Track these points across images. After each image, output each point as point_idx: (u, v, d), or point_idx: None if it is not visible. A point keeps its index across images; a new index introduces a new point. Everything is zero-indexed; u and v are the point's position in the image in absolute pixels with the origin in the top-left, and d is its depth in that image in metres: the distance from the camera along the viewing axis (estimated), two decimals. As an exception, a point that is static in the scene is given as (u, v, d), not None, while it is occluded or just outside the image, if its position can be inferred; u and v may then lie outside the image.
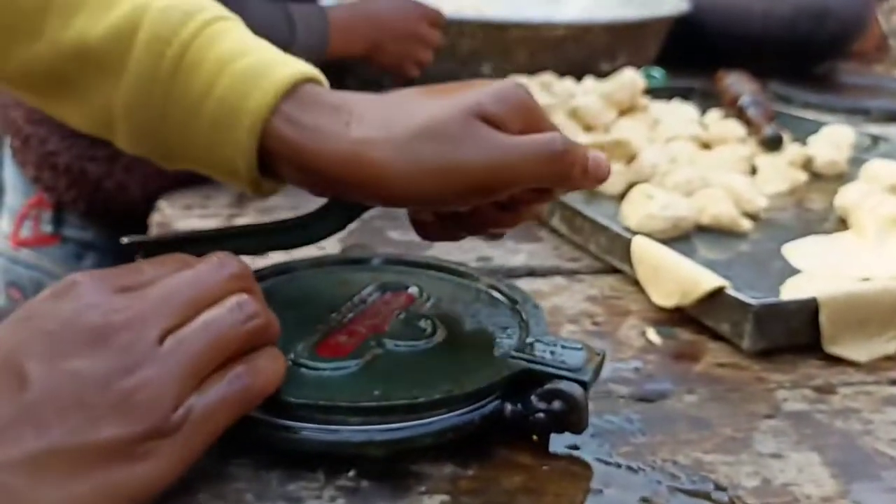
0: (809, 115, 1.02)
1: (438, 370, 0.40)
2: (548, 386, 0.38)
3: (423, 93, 0.42)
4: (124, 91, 0.43)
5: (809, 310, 0.49)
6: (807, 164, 0.84)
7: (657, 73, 1.15)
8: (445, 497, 0.37)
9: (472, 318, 0.45)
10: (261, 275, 0.48)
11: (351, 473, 0.38)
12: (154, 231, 0.68)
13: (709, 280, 0.51)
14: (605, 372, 0.47)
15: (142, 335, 0.33)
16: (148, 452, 0.32)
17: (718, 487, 0.38)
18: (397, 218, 0.70)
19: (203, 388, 0.34)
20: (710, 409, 0.45)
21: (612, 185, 0.77)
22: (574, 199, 0.68)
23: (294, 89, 0.42)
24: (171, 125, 0.44)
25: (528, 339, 0.42)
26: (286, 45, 0.49)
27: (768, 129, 0.85)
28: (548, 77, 0.99)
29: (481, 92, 0.40)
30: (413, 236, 0.47)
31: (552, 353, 0.40)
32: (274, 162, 0.43)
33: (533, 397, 0.39)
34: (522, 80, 0.95)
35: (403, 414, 0.38)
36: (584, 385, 0.39)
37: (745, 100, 0.91)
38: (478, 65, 1.11)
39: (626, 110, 0.92)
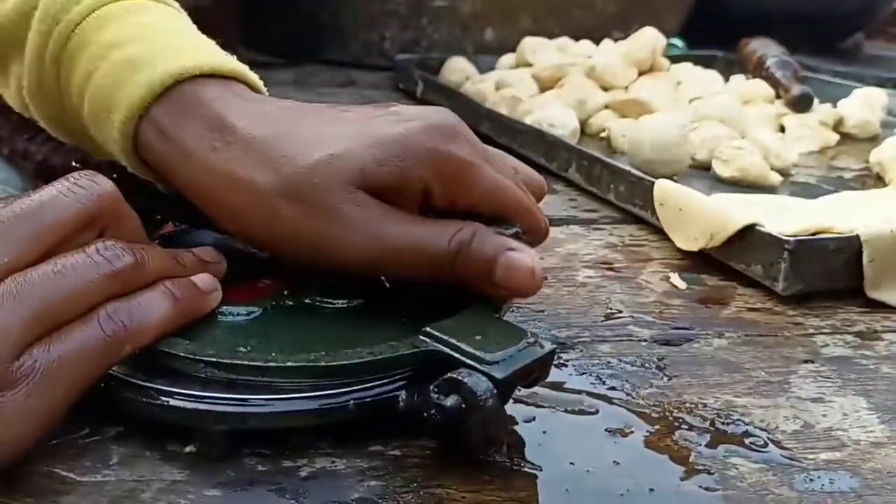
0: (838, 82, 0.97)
1: (328, 336, 0.32)
2: (450, 374, 0.28)
3: (333, 121, 0.35)
4: (25, 70, 0.40)
5: (851, 249, 0.45)
6: (837, 125, 0.79)
7: (678, 41, 1.11)
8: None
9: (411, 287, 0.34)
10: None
11: (188, 448, 0.30)
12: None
13: (739, 218, 0.46)
14: (624, 315, 0.43)
15: None
16: None
17: (754, 429, 0.34)
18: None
19: (58, 334, 0.28)
20: (742, 353, 0.40)
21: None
22: (592, 149, 0.64)
23: (174, 88, 0.35)
24: (66, 109, 0.40)
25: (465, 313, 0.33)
26: None
27: (797, 89, 0.80)
28: (564, 40, 0.95)
29: (377, 146, 0.32)
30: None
31: (482, 335, 0.31)
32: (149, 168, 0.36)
33: (432, 387, 0.29)
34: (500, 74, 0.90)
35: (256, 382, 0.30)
36: (496, 381, 0.28)
37: (772, 61, 0.87)
38: (480, 31, 1.07)
39: (647, 70, 0.87)
